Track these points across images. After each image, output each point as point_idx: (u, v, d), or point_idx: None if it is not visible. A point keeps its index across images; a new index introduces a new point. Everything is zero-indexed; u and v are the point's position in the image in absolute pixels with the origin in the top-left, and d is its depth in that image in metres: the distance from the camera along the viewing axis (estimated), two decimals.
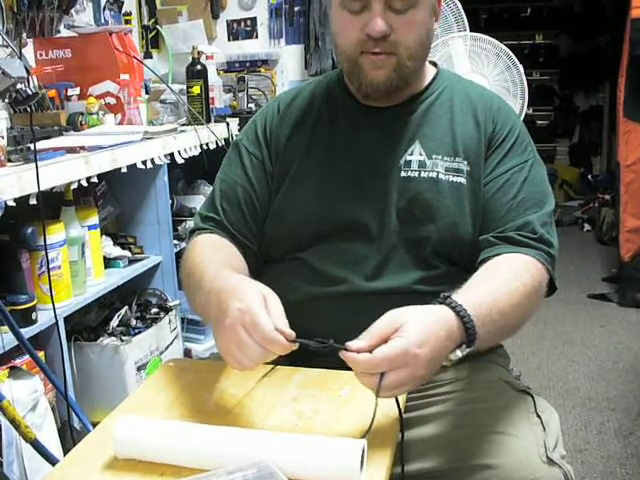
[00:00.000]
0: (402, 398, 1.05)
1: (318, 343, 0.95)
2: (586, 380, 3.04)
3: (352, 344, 0.92)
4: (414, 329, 0.93)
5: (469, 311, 1.00)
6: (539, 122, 6.84)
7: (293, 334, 0.94)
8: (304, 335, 0.96)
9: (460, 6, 2.73)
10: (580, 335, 3.55)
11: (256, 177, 1.34)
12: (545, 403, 1.17)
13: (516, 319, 1.14)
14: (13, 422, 1.52)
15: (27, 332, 1.75)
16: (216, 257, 1.23)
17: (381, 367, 0.91)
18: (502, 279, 1.14)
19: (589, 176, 6.55)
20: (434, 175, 1.26)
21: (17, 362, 1.78)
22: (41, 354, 1.81)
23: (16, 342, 1.61)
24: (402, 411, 0.96)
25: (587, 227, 5.58)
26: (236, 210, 1.34)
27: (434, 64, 1.40)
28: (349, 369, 0.98)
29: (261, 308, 0.95)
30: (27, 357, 1.75)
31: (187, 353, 2.61)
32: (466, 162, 1.27)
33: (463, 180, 1.26)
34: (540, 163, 1.32)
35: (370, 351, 0.91)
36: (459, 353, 1.02)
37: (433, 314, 0.99)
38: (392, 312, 0.96)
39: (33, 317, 1.82)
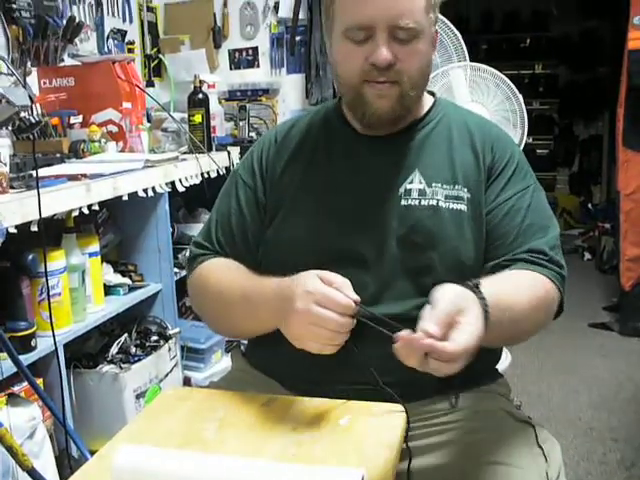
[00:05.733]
0: (403, 428, 1.04)
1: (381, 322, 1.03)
2: (588, 410, 3.02)
3: (426, 327, 0.91)
4: (473, 318, 0.95)
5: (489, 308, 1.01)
6: (539, 151, 6.86)
7: (358, 298, 1.04)
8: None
9: (460, 37, 2.75)
10: (581, 364, 3.53)
11: (249, 209, 1.35)
12: (547, 433, 1.17)
13: (524, 328, 1.17)
14: (10, 450, 1.51)
15: (26, 359, 1.74)
16: (238, 273, 1.27)
17: (463, 359, 0.92)
18: (521, 287, 1.16)
19: (589, 205, 6.56)
20: (434, 203, 1.25)
21: (15, 389, 1.77)
22: (40, 381, 1.81)
23: (15, 369, 1.60)
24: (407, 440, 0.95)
25: (587, 256, 5.57)
26: (230, 241, 1.35)
27: (432, 93, 1.40)
28: (356, 399, 0.98)
29: (324, 285, 1.04)
30: (26, 384, 1.74)
31: (186, 381, 2.60)
32: (466, 189, 1.27)
33: (463, 207, 1.26)
34: (540, 189, 1.33)
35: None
36: None
37: (472, 302, 0.98)
38: (452, 295, 0.96)
39: (32, 344, 1.82)
